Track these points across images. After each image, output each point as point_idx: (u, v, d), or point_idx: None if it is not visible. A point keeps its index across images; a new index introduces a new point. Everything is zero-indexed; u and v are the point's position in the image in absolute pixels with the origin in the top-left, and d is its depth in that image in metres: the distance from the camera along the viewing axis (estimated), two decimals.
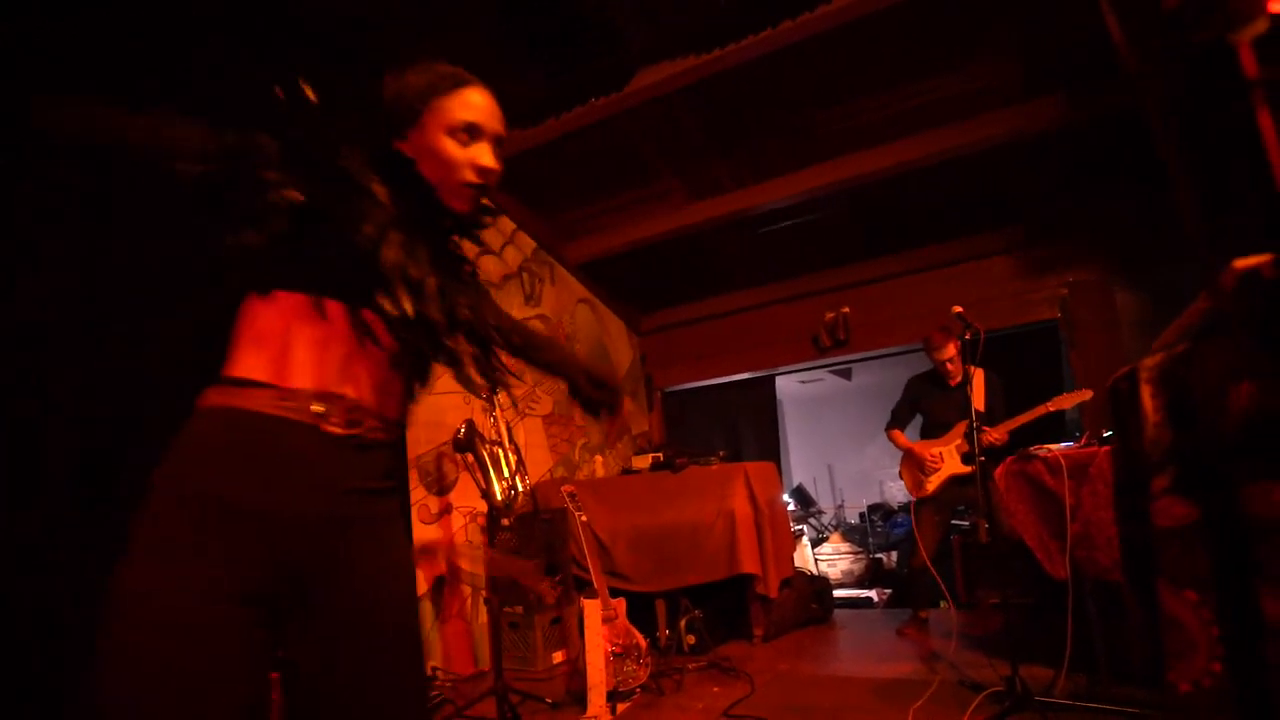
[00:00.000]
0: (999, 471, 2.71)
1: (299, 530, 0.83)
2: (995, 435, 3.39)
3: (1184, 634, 0.66)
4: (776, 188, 4.45)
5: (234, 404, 0.84)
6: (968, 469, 3.57)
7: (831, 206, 4.57)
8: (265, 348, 0.86)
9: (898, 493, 8.45)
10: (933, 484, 3.69)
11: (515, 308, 4.51)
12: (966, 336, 2.63)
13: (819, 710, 2.67)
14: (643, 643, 3.04)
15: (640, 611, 3.56)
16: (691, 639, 3.57)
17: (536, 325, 4.70)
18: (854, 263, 5.22)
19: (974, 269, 4.86)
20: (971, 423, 2.67)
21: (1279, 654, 0.66)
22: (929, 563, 3.47)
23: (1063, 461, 2.52)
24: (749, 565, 3.50)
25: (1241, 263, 0.73)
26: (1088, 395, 3.35)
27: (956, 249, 4.89)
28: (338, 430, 0.87)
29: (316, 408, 0.85)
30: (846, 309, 5.27)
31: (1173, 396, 0.71)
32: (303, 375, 0.86)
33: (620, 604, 3.07)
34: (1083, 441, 2.71)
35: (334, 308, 0.88)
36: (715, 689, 3.06)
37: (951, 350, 3.64)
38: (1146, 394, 0.73)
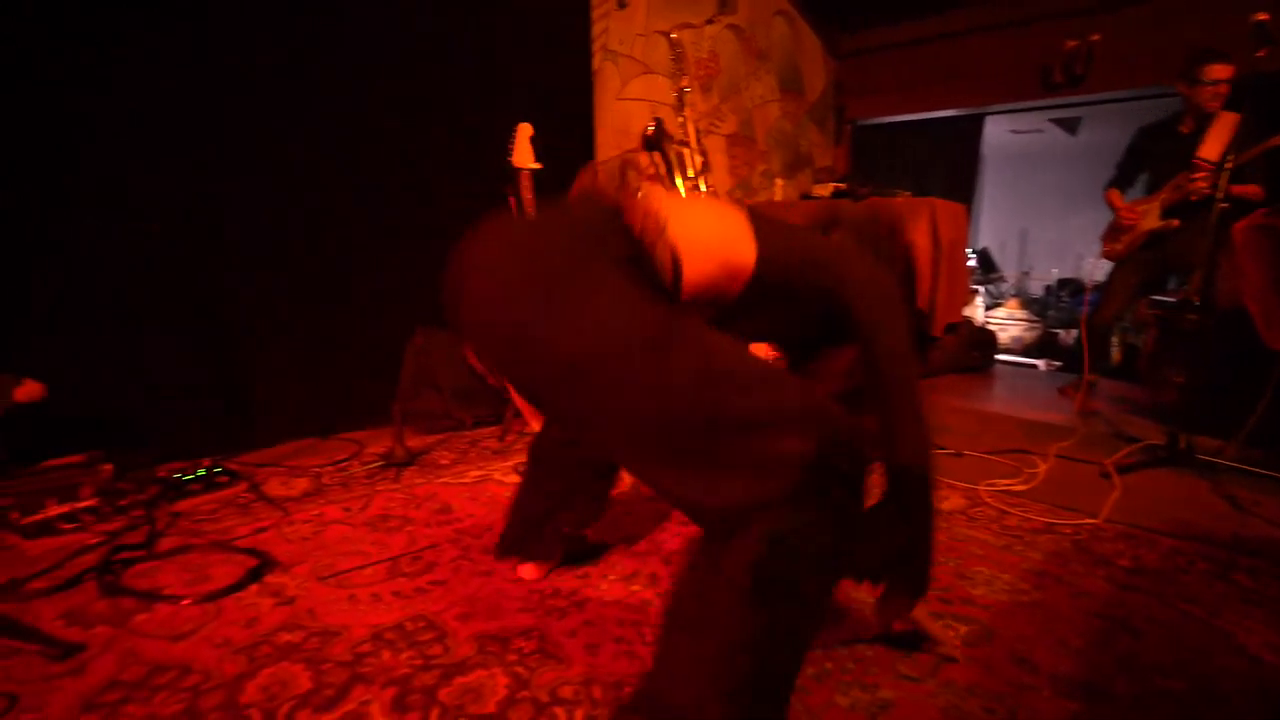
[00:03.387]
0: (1240, 225, 2.38)
1: None
2: (1202, 182, 2.82)
3: None
4: None
5: None
6: (1162, 224, 3.12)
7: None
8: None
9: (1096, 270, 7.67)
10: (1124, 243, 3.30)
11: (709, 9, 4.20)
12: (1261, 54, 2.14)
13: (962, 433, 2.82)
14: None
15: None
16: None
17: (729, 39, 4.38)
18: None
19: None
20: (1222, 161, 2.28)
21: None
22: (1086, 326, 3.28)
23: None
24: (917, 300, 3.48)
25: None
26: None
27: None
28: None
29: None
30: (1096, 36, 4.37)
31: None
32: None
33: None
34: None
35: None
36: None
37: (1224, 72, 2.90)
38: None
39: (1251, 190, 2.81)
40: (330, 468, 2.25)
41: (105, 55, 2.06)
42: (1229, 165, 2.35)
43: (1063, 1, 4.48)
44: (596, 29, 3.57)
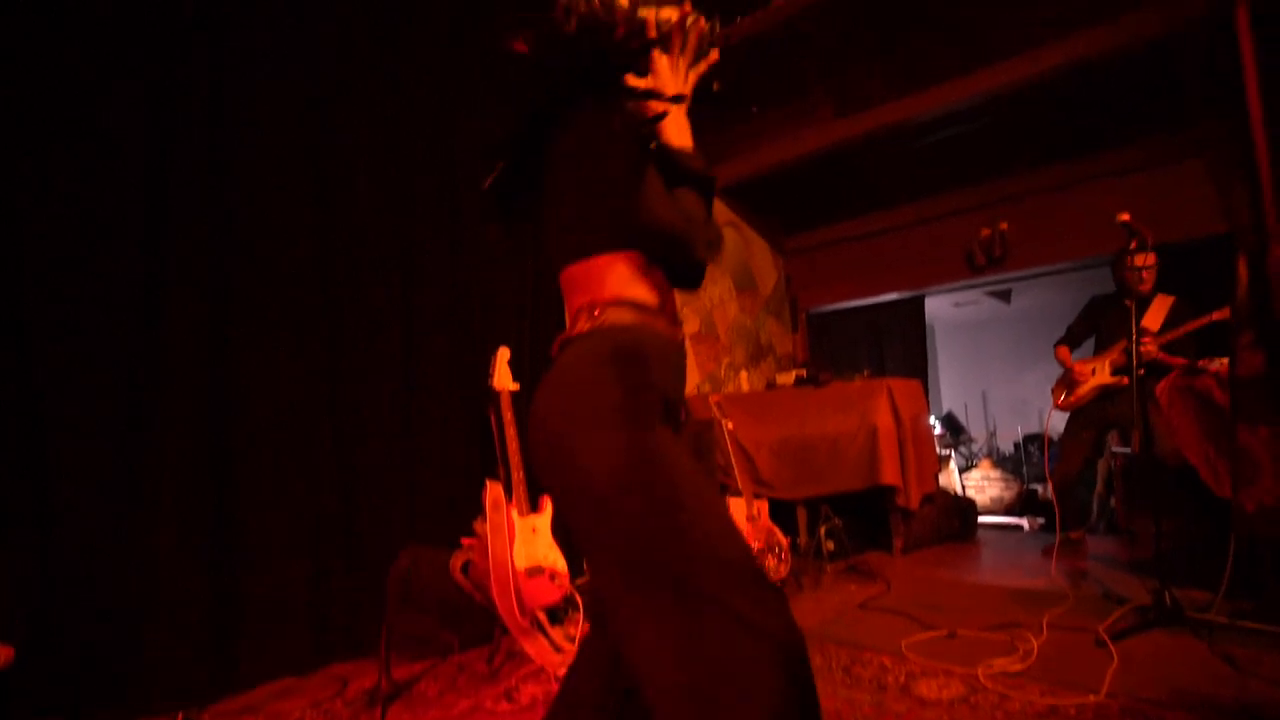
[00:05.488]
0: (1161, 387, 2.61)
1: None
2: (1151, 346, 3.25)
3: (1253, 462, 0.74)
4: (934, 96, 4.21)
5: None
6: (1113, 380, 3.46)
7: (991, 114, 4.28)
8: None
9: (1058, 422, 7.95)
10: (1075, 395, 3.61)
11: None
12: (1133, 246, 2.49)
13: (953, 610, 2.80)
14: (784, 541, 3.28)
15: (782, 520, 3.79)
16: (831, 545, 3.77)
17: None
18: (1014, 174, 4.88)
19: (1160, 175, 4.38)
20: (1133, 335, 2.56)
21: None
22: (1052, 483, 3.52)
23: None
24: (889, 477, 3.60)
25: None
26: None
27: (1137, 153, 4.43)
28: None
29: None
30: (1005, 225, 4.97)
31: (1254, 273, 0.77)
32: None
33: (763, 505, 3.31)
34: None
35: None
36: (852, 587, 3.26)
37: (1142, 260, 3.22)
38: (1241, 265, 0.79)
39: (1179, 361, 3.12)
40: (312, 710, 2.15)
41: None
42: (1146, 340, 2.66)
43: (971, 198, 5.14)
44: None
